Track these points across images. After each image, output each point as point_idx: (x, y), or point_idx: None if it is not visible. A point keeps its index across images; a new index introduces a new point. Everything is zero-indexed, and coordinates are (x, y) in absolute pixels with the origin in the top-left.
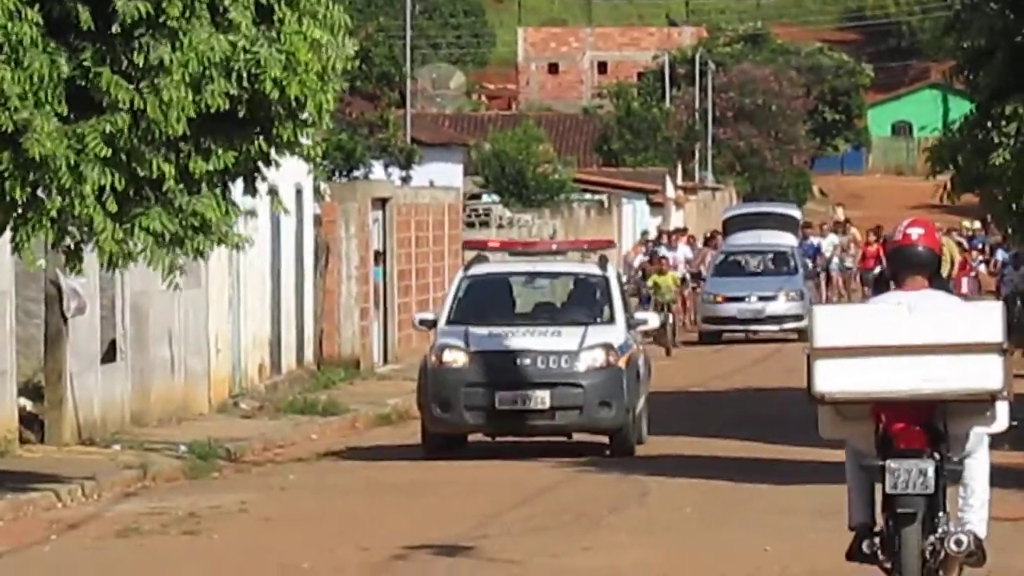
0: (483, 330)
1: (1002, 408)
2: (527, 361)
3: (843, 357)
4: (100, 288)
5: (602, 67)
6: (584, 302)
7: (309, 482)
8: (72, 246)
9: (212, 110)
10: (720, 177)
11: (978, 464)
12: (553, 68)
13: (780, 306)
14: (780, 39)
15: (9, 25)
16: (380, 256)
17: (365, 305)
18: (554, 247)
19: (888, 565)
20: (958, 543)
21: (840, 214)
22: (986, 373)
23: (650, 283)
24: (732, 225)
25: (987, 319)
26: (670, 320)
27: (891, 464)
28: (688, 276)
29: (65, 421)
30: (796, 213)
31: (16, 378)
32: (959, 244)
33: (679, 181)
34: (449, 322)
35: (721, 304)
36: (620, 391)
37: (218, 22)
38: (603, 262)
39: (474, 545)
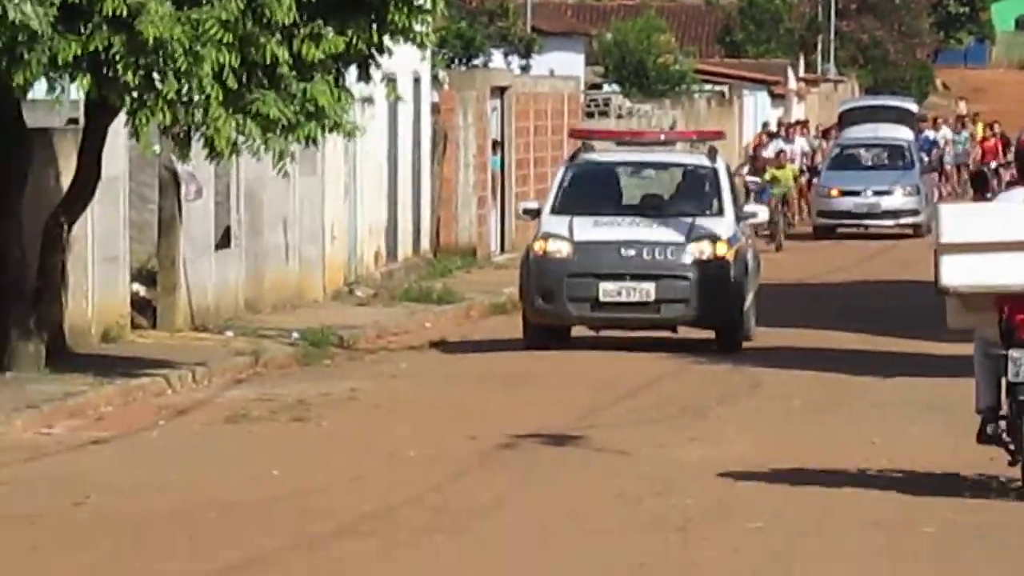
0: (588, 220)
1: None
2: (632, 252)
3: (968, 252)
4: (215, 174)
5: None
6: (692, 194)
7: (420, 370)
8: (183, 133)
9: None
10: (842, 70)
11: None
12: None
13: (896, 201)
14: None
15: None
16: (498, 145)
17: (483, 194)
18: (662, 137)
19: (1012, 447)
20: None
21: (963, 107)
22: None
23: (768, 176)
24: (848, 118)
25: None
26: (785, 214)
27: (1014, 353)
28: (805, 169)
29: (178, 307)
30: (913, 106)
31: (130, 263)
32: None
33: (801, 73)
34: (553, 211)
35: (836, 198)
36: (728, 284)
37: None
38: (712, 153)
39: (582, 435)
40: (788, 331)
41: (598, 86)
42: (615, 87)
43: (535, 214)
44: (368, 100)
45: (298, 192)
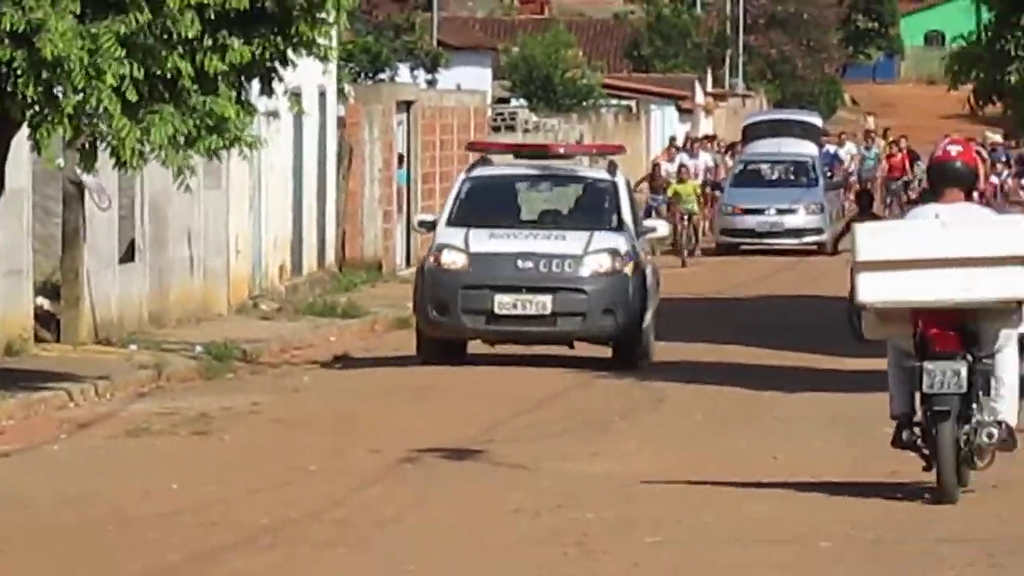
0: (484, 232)
1: None
2: (529, 264)
3: (884, 270)
4: (120, 187)
5: None
6: (591, 207)
7: (323, 385)
8: (87, 145)
9: (231, 10)
10: (750, 84)
11: (1007, 358)
12: None
13: (799, 219)
14: None
15: None
16: (404, 159)
17: (388, 208)
18: (561, 150)
19: (926, 452)
20: (989, 435)
21: (871, 122)
22: (1015, 283)
23: (670, 192)
24: (752, 133)
25: (1016, 233)
26: (688, 230)
27: (927, 365)
28: (709, 184)
29: (81, 320)
30: (817, 121)
31: (34, 277)
32: (978, 155)
33: (709, 88)
34: (449, 223)
35: (739, 216)
36: (625, 299)
37: None
38: (612, 167)
39: (483, 449)
40: (692, 346)
41: (505, 100)
42: (522, 101)
43: (431, 226)
44: (273, 114)
45: (203, 205)
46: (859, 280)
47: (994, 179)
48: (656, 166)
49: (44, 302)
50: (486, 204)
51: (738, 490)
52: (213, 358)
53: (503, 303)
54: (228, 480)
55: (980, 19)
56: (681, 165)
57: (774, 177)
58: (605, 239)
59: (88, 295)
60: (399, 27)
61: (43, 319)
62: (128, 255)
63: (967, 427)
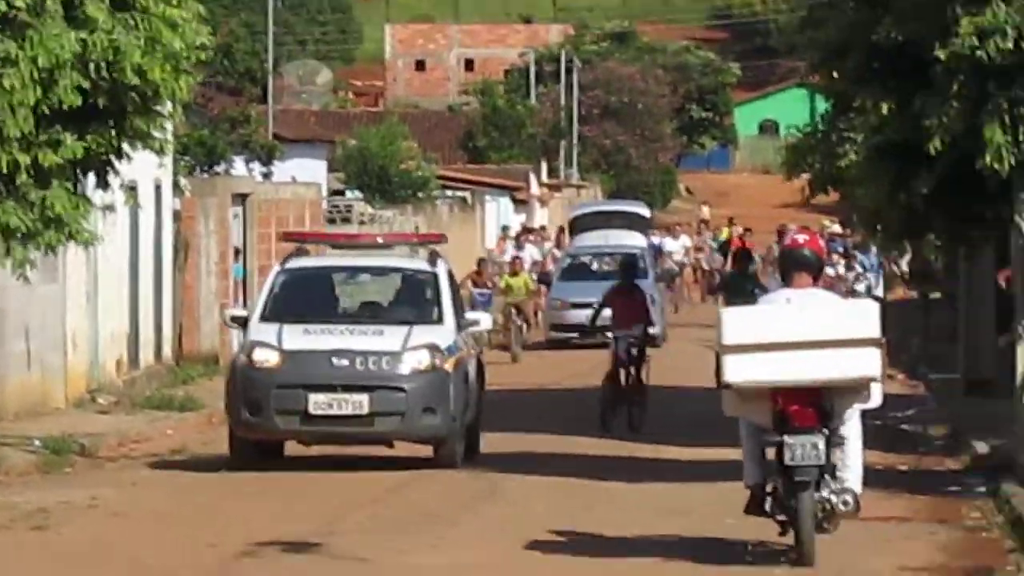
0: (298, 328)
1: (876, 388)
2: (345, 362)
3: (747, 352)
4: None
5: (469, 64)
6: (411, 300)
7: (161, 478)
8: None
9: (64, 106)
10: (585, 175)
11: (853, 431)
12: (420, 65)
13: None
14: (647, 37)
15: None
16: (240, 252)
17: (225, 301)
18: (379, 240)
19: (782, 518)
20: (845, 503)
21: (705, 212)
22: (867, 363)
23: (502, 283)
24: (579, 225)
25: (866, 317)
26: (519, 324)
27: (788, 440)
28: (534, 277)
29: None
30: (645, 211)
31: None
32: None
33: (544, 178)
34: (263, 319)
35: (568, 311)
36: (446, 396)
37: (73, 16)
38: (433, 257)
39: (323, 542)
40: (528, 436)
41: (341, 192)
42: (357, 193)
43: (243, 322)
44: (109, 208)
45: (40, 300)
46: (726, 362)
47: (829, 270)
48: (481, 261)
49: None
50: (301, 298)
51: None
52: (51, 452)
53: (318, 402)
54: None
55: (814, 109)
56: (514, 257)
57: (602, 270)
58: (425, 334)
59: None
60: (235, 120)
61: None
62: None
63: (819, 495)
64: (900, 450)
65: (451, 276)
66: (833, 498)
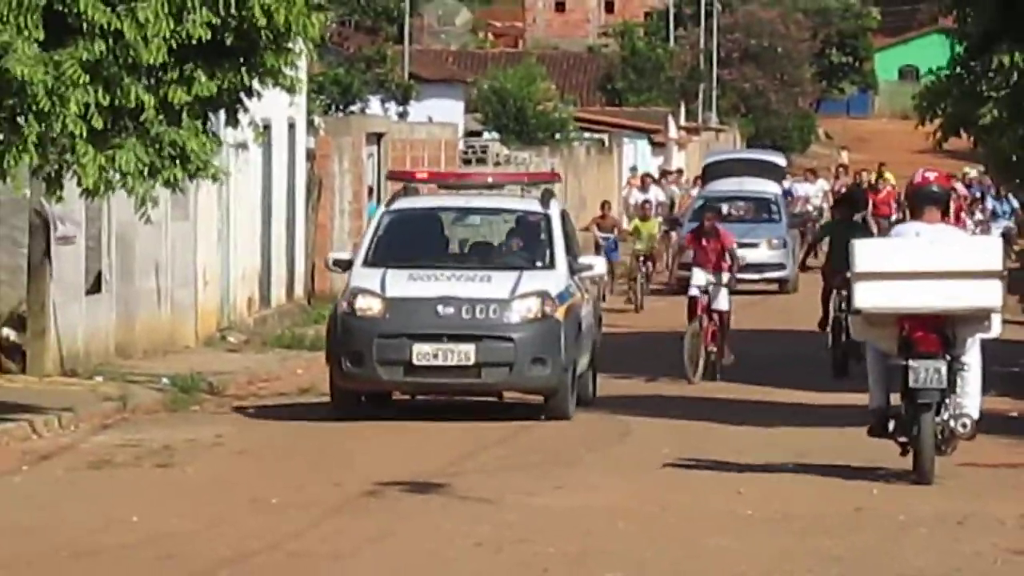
0: (403, 273)
1: (996, 319)
2: (450, 310)
3: (877, 279)
4: (87, 219)
5: (609, 6)
6: (521, 244)
7: (288, 416)
8: (53, 173)
9: (194, 40)
10: (724, 118)
11: (973, 361)
12: (560, 6)
13: (762, 254)
14: None
15: None
16: (374, 191)
17: (358, 240)
18: (490, 180)
19: (903, 440)
20: (963, 425)
21: (844, 157)
22: (988, 294)
23: (631, 228)
24: (712, 172)
25: (989, 250)
26: (644, 272)
27: (913, 363)
28: (661, 221)
29: (47, 352)
30: (780, 160)
31: None
32: (954, 189)
33: (682, 122)
34: (366, 263)
35: None
36: (557, 346)
37: None
38: (546, 198)
39: (447, 482)
40: (660, 382)
41: (477, 133)
42: (494, 134)
43: (346, 266)
44: (242, 146)
45: (170, 237)
46: (856, 289)
47: (970, 220)
48: (605, 204)
49: (10, 333)
50: (406, 241)
51: (701, 524)
52: (179, 390)
53: (422, 353)
54: (189, 513)
55: (954, 54)
56: (645, 201)
57: (735, 214)
58: (535, 280)
59: (54, 326)
60: (371, 59)
61: (9, 350)
62: (95, 286)
63: (939, 419)
64: None
65: (565, 217)
66: (952, 422)
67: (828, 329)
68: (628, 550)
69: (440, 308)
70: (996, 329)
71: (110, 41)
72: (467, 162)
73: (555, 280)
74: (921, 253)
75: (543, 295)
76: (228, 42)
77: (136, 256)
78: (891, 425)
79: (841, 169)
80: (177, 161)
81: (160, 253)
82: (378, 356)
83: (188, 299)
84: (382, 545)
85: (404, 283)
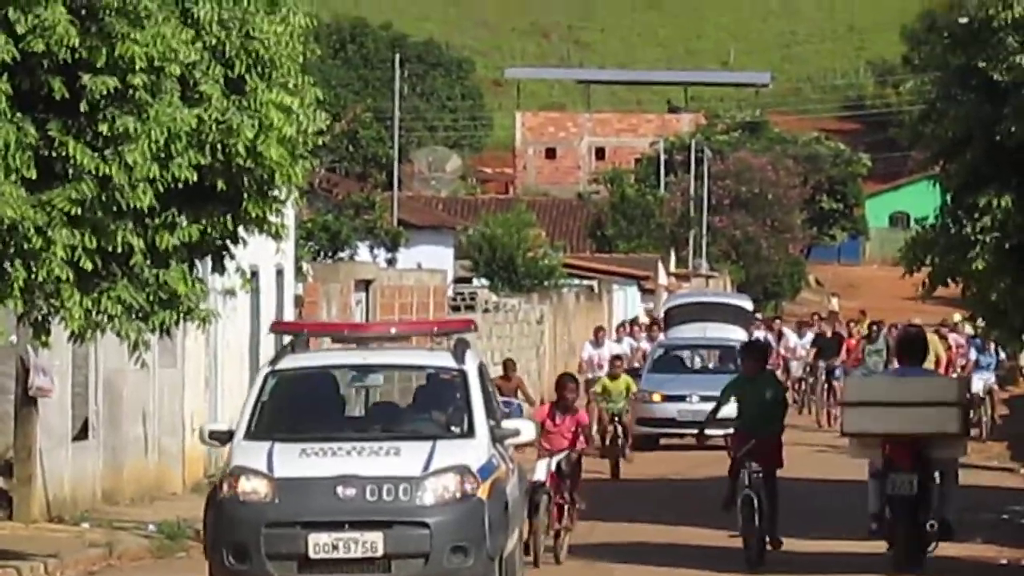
0: (293, 447)
1: (964, 443)
2: (352, 491)
3: (860, 407)
4: (74, 365)
5: (600, 152)
6: (433, 406)
7: None
8: (40, 318)
9: (180, 183)
10: (715, 265)
11: (949, 475)
12: (551, 153)
13: (728, 408)
14: (778, 127)
15: None
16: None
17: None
18: (392, 331)
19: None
20: (931, 526)
21: (835, 304)
22: (950, 421)
23: (599, 388)
24: (674, 317)
25: (951, 387)
26: (618, 435)
27: (891, 476)
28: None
29: (34, 498)
30: (747, 304)
31: None
32: (944, 339)
33: (672, 268)
34: (249, 435)
35: (658, 404)
36: (481, 531)
37: (188, 96)
38: (460, 350)
39: None
40: (649, 527)
41: (467, 280)
42: (484, 281)
43: (226, 438)
44: (230, 292)
45: (158, 383)
46: (846, 415)
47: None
48: (508, 363)
49: None
50: (296, 407)
51: None
52: (166, 537)
53: (320, 544)
54: None
55: (942, 201)
56: (615, 356)
57: (698, 364)
58: (452, 452)
59: (41, 473)
60: (360, 205)
61: None
62: (82, 433)
63: (917, 524)
64: (1021, 544)
65: (483, 373)
66: (926, 525)
67: (738, 509)
68: None
69: (340, 489)
70: (960, 452)
71: (97, 186)
72: (455, 309)
73: (475, 451)
74: (896, 387)
75: (462, 470)
76: (216, 187)
77: (123, 403)
78: (875, 527)
79: (832, 316)
80: (166, 305)
81: (148, 400)
82: (267, 549)
83: (176, 446)
84: None
85: (295, 460)
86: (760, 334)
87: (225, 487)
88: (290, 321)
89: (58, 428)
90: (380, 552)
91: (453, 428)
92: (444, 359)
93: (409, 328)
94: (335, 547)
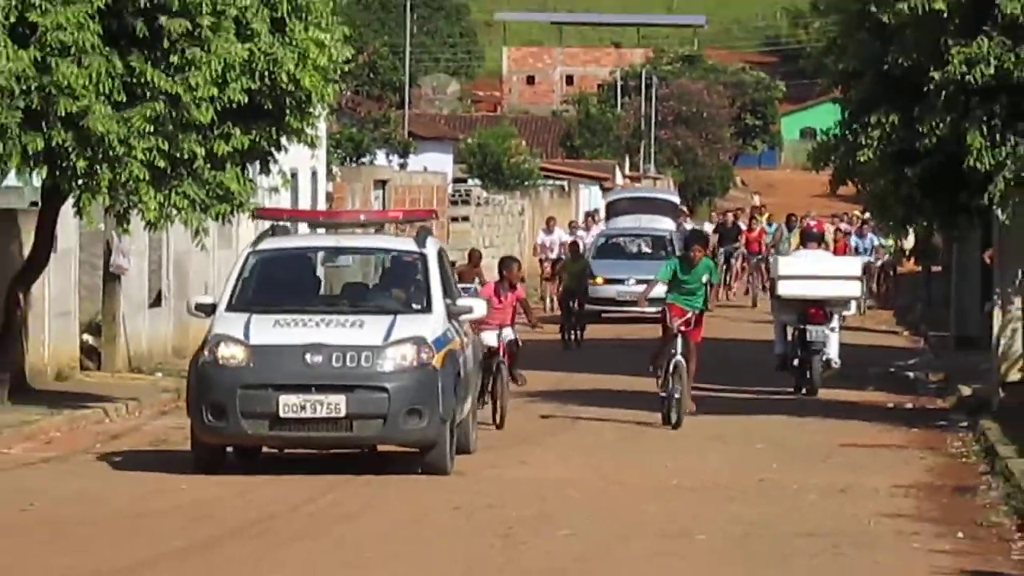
0: (268, 319)
1: (853, 304)
2: (319, 358)
3: (789, 279)
4: (150, 248)
5: (569, 79)
6: (396, 285)
7: None
8: (122, 210)
9: (234, 103)
10: (661, 169)
11: (836, 327)
12: (531, 80)
13: (659, 289)
14: (711, 60)
15: (76, 34)
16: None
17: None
18: (362, 218)
19: (797, 376)
20: (829, 363)
21: (757, 200)
22: (853, 290)
23: (561, 267)
24: (613, 209)
25: (853, 264)
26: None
27: (810, 327)
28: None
29: (118, 353)
30: (675, 198)
31: (80, 318)
32: (838, 230)
33: (627, 171)
34: (230, 308)
35: (601, 286)
36: (434, 397)
37: (241, 33)
38: (422, 236)
39: None
40: (609, 377)
41: (463, 180)
42: (476, 181)
43: (210, 310)
44: (274, 189)
45: (217, 262)
46: (779, 285)
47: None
48: (473, 252)
49: (88, 338)
50: (272, 284)
51: (636, 493)
52: None
53: (289, 405)
54: (226, 482)
55: (841, 117)
56: (572, 241)
57: (634, 250)
58: (410, 325)
59: (123, 333)
60: (377, 121)
61: (87, 352)
62: (156, 301)
63: (819, 359)
64: (903, 392)
65: (442, 257)
66: (829, 363)
67: (667, 371)
68: (577, 513)
69: (308, 356)
70: (852, 310)
71: (168, 105)
72: (454, 203)
73: (432, 324)
74: (814, 263)
75: (419, 341)
76: (263, 106)
77: (189, 277)
78: (791, 364)
79: (755, 209)
80: (223, 199)
81: (209, 275)
82: (242, 408)
83: None
84: (377, 510)
85: (270, 329)
86: (688, 225)
87: (206, 352)
88: (271, 207)
89: (137, 297)
90: (343, 413)
91: (413, 304)
92: (407, 244)
93: (377, 216)
94: (303, 408)
